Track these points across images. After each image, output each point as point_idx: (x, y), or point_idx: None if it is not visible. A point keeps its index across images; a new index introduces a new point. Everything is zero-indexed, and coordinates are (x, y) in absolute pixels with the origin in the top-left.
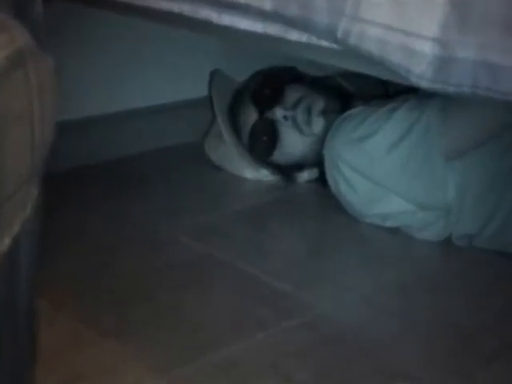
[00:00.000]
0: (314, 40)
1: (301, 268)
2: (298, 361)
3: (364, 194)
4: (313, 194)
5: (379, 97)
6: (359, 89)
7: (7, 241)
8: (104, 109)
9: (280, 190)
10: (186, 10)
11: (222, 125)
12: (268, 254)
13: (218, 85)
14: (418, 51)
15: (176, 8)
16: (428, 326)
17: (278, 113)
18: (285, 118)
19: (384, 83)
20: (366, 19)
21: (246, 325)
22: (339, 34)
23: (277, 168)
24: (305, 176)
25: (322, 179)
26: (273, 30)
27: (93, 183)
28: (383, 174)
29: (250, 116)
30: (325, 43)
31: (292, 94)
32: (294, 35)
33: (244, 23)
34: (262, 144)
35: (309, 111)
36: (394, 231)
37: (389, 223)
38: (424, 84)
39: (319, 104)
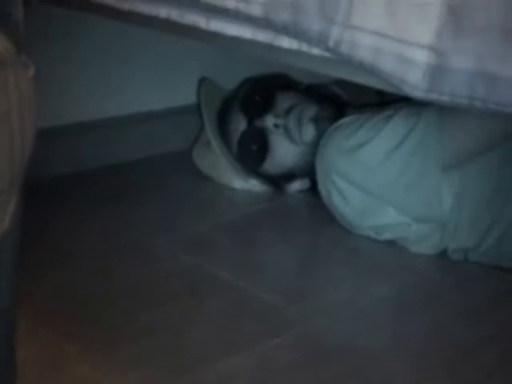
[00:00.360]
0: (305, 47)
1: (291, 282)
2: (288, 378)
3: (357, 205)
4: (304, 205)
5: (374, 105)
6: (353, 97)
7: None
8: (90, 116)
9: (270, 200)
10: (174, 15)
11: (210, 133)
12: (257, 267)
13: (207, 93)
14: (412, 60)
15: (163, 13)
16: (424, 341)
17: (269, 121)
18: (275, 126)
19: (379, 91)
20: (358, 26)
21: (235, 340)
22: (331, 42)
23: (267, 178)
24: (296, 186)
25: (313, 190)
26: (263, 36)
27: (78, 192)
28: (377, 184)
29: (239, 124)
30: (316, 51)
31: (283, 101)
32: (285, 42)
33: (233, 29)
34: (251, 153)
35: (299, 118)
36: (389, 244)
37: (383, 236)
38: (418, 94)
39: (310, 111)
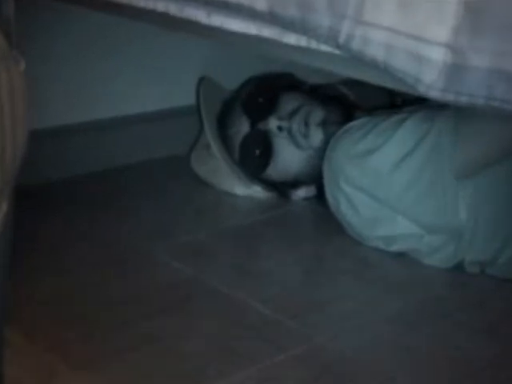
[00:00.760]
0: (314, 44)
1: (295, 295)
2: None
3: (367, 214)
4: (310, 214)
5: (385, 107)
6: (363, 98)
7: None
8: (82, 117)
9: (274, 208)
10: (172, 8)
11: (210, 136)
12: (259, 279)
13: (207, 92)
14: (428, 58)
15: (161, 6)
16: (435, 359)
17: (272, 123)
18: (280, 129)
19: (391, 92)
20: (370, 22)
21: (235, 357)
22: (341, 38)
23: (270, 184)
24: (301, 193)
25: (320, 197)
26: (268, 32)
27: (69, 198)
28: (388, 192)
29: (241, 127)
30: (325, 48)
31: (288, 103)
32: (292, 38)
33: (236, 24)
34: (254, 158)
35: (306, 122)
36: (400, 256)
37: (394, 247)
38: (434, 94)
39: (318, 114)
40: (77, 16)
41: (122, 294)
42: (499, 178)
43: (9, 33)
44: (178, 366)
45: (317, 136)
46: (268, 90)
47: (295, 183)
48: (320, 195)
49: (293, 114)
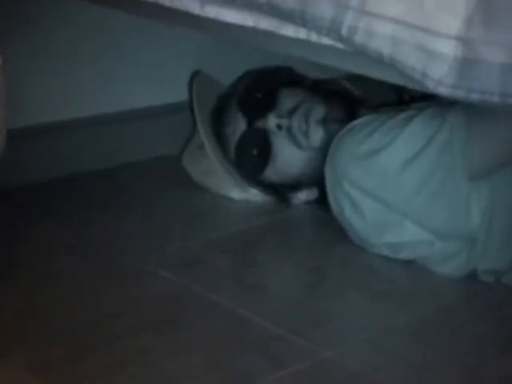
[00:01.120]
0: (314, 37)
1: (297, 308)
2: None
3: (373, 219)
4: (311, 219)
5: (392, 104)
6: (368, 94)
7: None
8: (64, 115)
9: (272, 213)
10: None
11: (203, 135)
12: (258, 291)
13: (200, 88)
14: (437, 52)
15: None
16: (448, 376)
17: (271, 121)
18: (279, 127)
19: (398, 88)
20: (374, 13)
21: (233, 376)
22: (344, 30)
23: (269, 187)
24: (302, 197)
25: (322, 201)
26: (265, 23)
27: (50, 202)
28: (396, 195)
29: (238, 125)
30: (326, 41)
31: (287, 100)
32: (290, 30)
33: (231, 16)
34: (251, 158)
35: (306, 119)
36: (408, 264)
37: (402, 255)
38: (443, 91)
39: (318, 111)
40: (70, 10)
41: (107, 308)
42: None
43: None
44: None
45: (317, 134)
46: (266, 86)
47: (295, 186)
48: (322, 199)
49: (293, 111)
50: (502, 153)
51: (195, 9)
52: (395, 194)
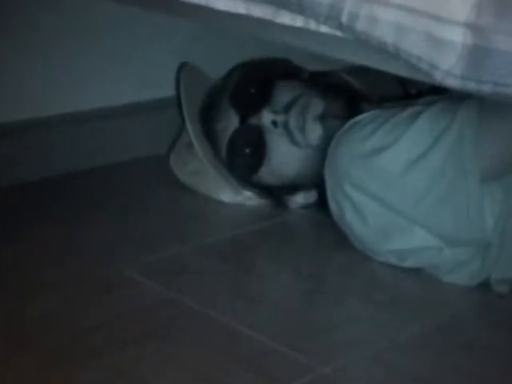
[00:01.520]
0: (312, 25)
1: (294, 320)
2: None
3: (376, 223)
4: (310, 224)
5: (397, 98)
6: (370, 88)
7: None
8: (43, 111)
9: (268, 217)
10: None
11: (192, 133)
12: (252, 302)
13: (189, 81)
14: (445, 40)
15: None
16: None
17: (266, 117)
18: (274, 123)
19: (403, 80)
20: None
21: None
22: (344, 17)
23: (263, 189)
24: (300, 200)
25: (321, 204)
26: (259, 11)
27: (26, 205)
28: (402, 198)
29: (229, 121)
30: (325, 29)
31: (284, 94)
32: (286, 18)
33: (222, 2)
34: (244, 158)
35: (304, 116)
36: (415, 273)
37: (408, 262)
38: (452, 82)
39: (316, 106)
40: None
41: (90, 320)
42: None
43: None
44: None
45: (314, 132)
46: (260, 79)
47: (292, 188)
48: (321, 202)
49: (289, 106)
50: None
51: None
52: (400, 196)
